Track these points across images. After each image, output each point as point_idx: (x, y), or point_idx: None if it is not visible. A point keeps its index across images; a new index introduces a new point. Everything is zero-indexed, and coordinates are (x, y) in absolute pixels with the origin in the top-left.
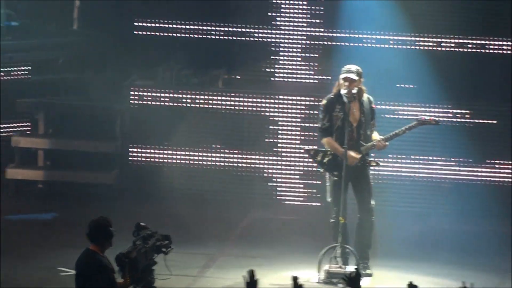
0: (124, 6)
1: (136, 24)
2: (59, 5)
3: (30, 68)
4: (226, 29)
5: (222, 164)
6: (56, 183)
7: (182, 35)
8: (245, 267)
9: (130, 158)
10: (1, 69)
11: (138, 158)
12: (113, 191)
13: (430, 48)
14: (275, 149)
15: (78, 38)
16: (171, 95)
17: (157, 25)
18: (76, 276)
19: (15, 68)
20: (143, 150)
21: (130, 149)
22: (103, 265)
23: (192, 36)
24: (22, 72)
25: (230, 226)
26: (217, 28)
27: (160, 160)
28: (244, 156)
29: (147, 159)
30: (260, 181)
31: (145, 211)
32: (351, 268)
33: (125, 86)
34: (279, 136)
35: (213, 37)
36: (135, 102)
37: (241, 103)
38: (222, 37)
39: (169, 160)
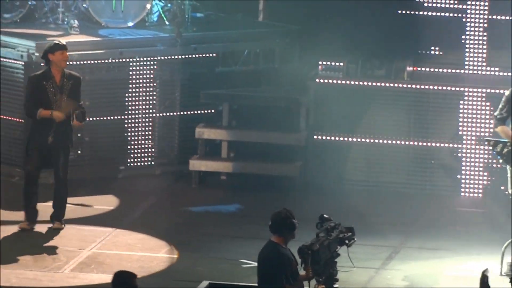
0: None
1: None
2: None
3: (215, 59)
4: (415, 12)
5: (404, 155)
6: (239, 175)
7: (367, 23)
8: (427, 259)
9: (314, 150)
10: (186, 61)
11: (322, 150)
12: (296, 183)
13: None
14: (458, 141)
15: (263, 30)
16: (356, 86)
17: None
18: (258, 268)
19: (200, 59)
20: (327, 142)
21: (314, 141)
22: (286, 257)
23: (378, 25)
24: (207, 63)
25: (412, 218)
26: (406, 12)
27: (343, 152)
28: (427, 148)
29: (330, 151)
30: (442, 173)
31: (328, 203)
32: None
33: (310, 77)
34: (462, 129)
35: (401, 24)
36: (320, 93)
37: (425, 94)
38: (409, 25)
39: (352, 153)
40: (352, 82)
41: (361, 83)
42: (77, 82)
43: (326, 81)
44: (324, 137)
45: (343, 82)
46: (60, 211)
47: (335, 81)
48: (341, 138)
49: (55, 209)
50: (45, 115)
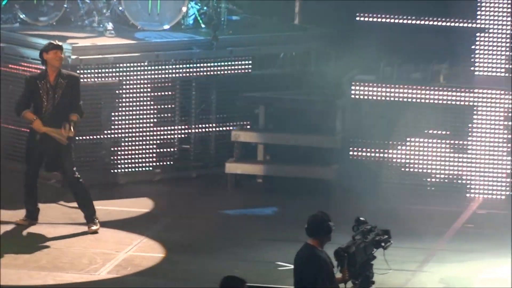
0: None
1: (357, 18)
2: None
3: (250, 62)
4: (447, 23)
5: (439, 159)
6: (275, 178)
7: (404, 28)
8: (462, 261)
9: (350, 153)
10: (221, 64)
11: (358, 153)
12: (332, 186)
13: None
14: (495, 144)
15: (299, 33)
16: (392, 90)
17: (379, 19)
18: (294, 271)
19: (236, 62)
20: (363, 145)
21: (350, 144)
22: (322, 260)
23: (414, 29)
24: (243, 66)
25: (448, 221)
26: (439, 20)
27: (380, 155)
28: (462, 148)
29: (366, 154)
30: (478, 175)
31: (364, 206)
32: None
33: (345, 81)
34: (498, 131)
35: (435, 30)
36: (356, 97)
37: (462, 98)
38: (444, 31)
39: (388, 155)
40: (387, 86)
41: (395, 86)
42: (74, 82)
43: (361, 84)
44: (360, 140)
45: (378, 85)
46: (88, 211)
47: (370, 84)
48: (376, 141)
49: (83, 211)
50: (28, 119)
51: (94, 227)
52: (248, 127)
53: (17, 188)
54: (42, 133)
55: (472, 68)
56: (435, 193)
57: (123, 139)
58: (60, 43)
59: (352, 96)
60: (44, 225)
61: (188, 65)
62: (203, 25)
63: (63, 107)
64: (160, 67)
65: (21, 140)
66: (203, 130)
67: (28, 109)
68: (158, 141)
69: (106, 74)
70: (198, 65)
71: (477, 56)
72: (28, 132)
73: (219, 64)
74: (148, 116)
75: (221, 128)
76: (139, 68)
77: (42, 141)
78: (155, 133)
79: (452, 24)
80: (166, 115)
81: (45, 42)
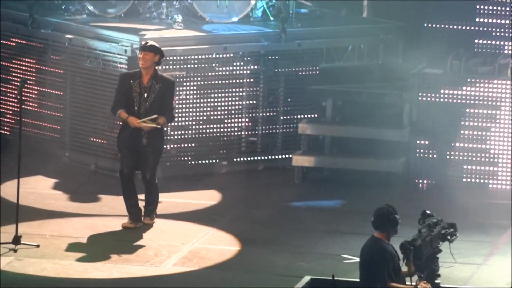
0: None
1: (425, 25)
2: None
3: (319, 55)
4: None
5: (508, 150)
6: (342, 171)
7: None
8: None
9: (417, 146)
10: (290, 56)
11: (424, 147)
12: (399, 179)
13: None
14: None
15: (368, 26)
16: (460, 83)
17: (447, 26)
18: (360, 263)
19: (304, 55)
20: (429, 139)
21: (417, 138)
22: (388, 253)
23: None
24: (311, 59)
25: None
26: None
27: (445, 150)
28: None
29: (431, 148)
30: None
31: (430, 199)
32: None
33: (414, 74)
34: None
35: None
36: (424, 90)
37: None
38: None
39: (454, 150)
40: (455, 79)
41: (462, 80)
42: (167, 86)
43: (429, 77)
44: (426, 134)
45: (446, 78)
46: (148, 208)
47: (437, 78)
48: (443, 135)
49: (146, 206)
50: (122, 117)
51: (149, 221)
52: (316, 119)
53: (82, 181)
54: (133, 130)
55: None
56: (500, 187)
57: (190, 131)
58: (149, 44)
59: (420, 89)
60: (110, 217)
61: (256, 58)
62: (271, 18)
63: (154, 113)
64: (227, 59)
65: (86, 133)
66: (271, 122)
67: (123, 108)
68: (225, 134)
69: (174, 66)
70: (266, 57)
71: None
72: (118, 132)
73: (287, 56)
74: (215, 108)
75: (288, 121)
76: (206, 60)
77: (133, 139)
78: (222, 125)
79: None
80: (233, 107)
81: (113, 34)
